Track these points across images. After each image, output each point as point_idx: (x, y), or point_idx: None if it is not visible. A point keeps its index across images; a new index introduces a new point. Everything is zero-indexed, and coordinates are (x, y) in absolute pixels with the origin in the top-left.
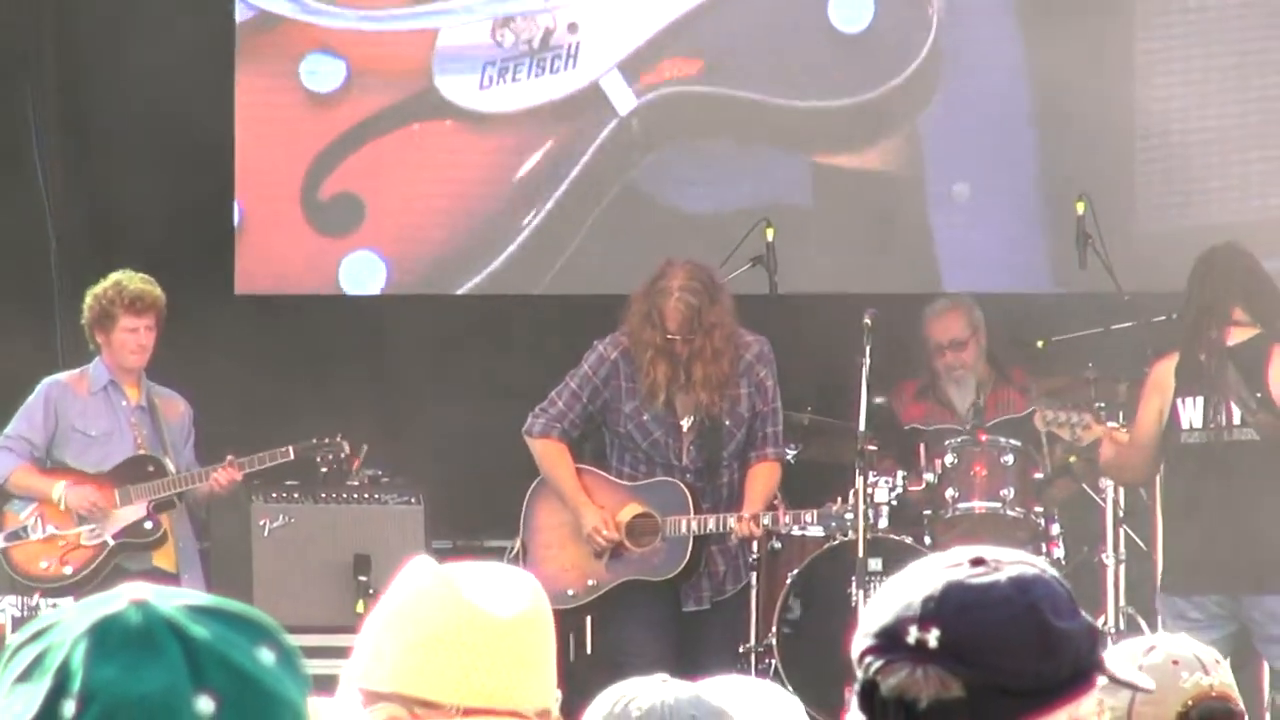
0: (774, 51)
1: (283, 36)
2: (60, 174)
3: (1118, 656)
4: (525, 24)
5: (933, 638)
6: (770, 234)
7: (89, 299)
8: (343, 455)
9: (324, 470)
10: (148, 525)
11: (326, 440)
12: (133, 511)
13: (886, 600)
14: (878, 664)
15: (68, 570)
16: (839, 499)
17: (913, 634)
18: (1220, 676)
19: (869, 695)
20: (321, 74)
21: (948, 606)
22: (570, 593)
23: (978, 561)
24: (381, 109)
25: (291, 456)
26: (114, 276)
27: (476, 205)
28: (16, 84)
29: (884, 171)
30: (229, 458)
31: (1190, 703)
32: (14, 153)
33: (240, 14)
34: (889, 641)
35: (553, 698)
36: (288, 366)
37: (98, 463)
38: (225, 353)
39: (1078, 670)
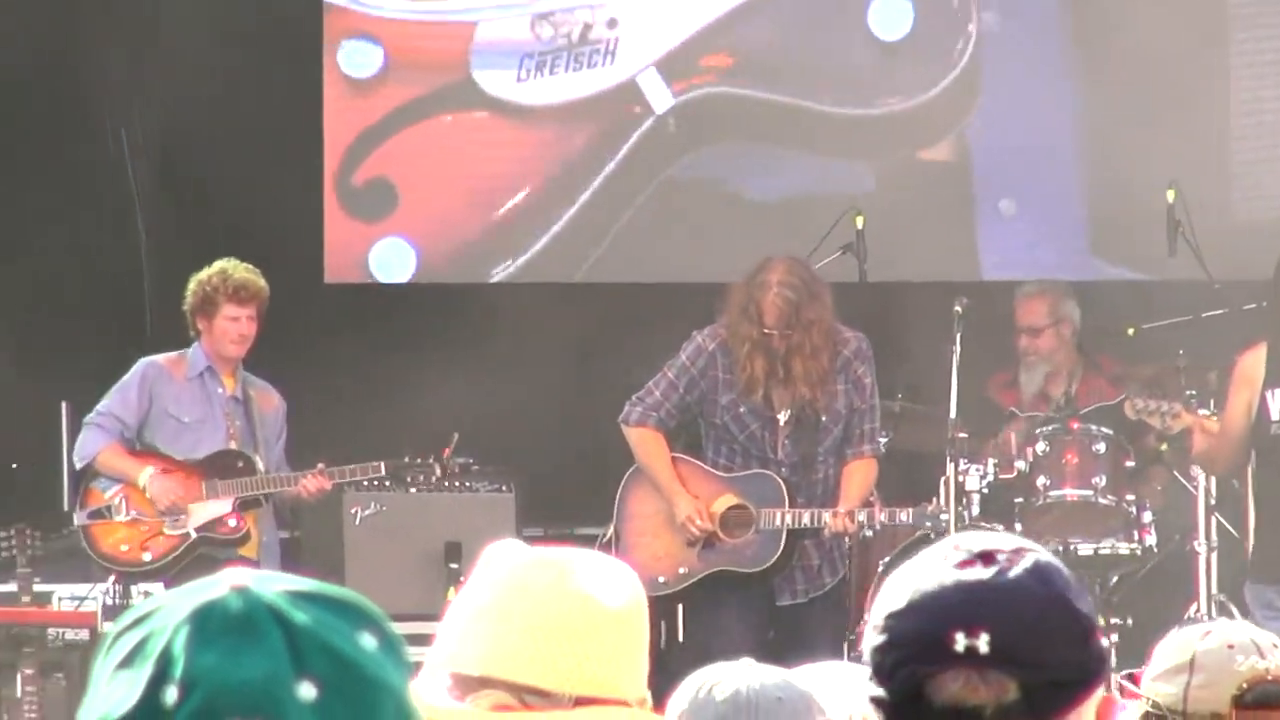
0: (811, 56)
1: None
2: (148, 165)
3: None
4: (564, 18)
5: (983, 643)
6: (860, 221)
7: (193, 284)
8: (434, 477)
9: (413, 490)
10: (231, 523)
11: (419, 460)
12: (218, 507)
13: (905, 607)
14: (922, 673)
15: (146, 557)
16: (934, 499)
17: (960, 641)
18: (1277, 660)
19: (911, 706)
20: (359, 60)
21: (989, 609)
22: (661, 580)
23: (987, 558)
24: (417, 97)
25: (383, 473)
26: (219, 264)
27: (507, 198)
28: (104, 78)
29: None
30: (320, 465)
31: (1245, 685)
32: (102, 145)
33: None
34: (932, 651)
35: (644, 684)
36: (378, 355)
37: (188, 449)
38: (314, 341)
39: (1100, 652)
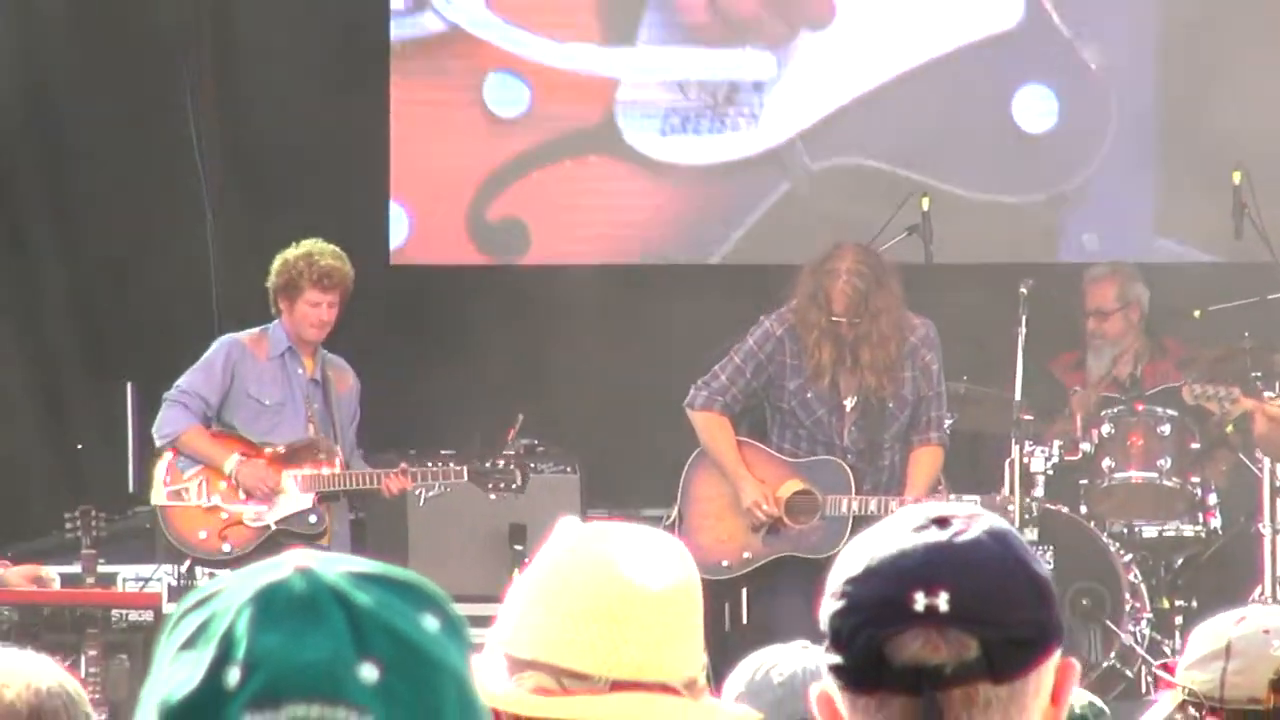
0: (955, 141)
1: (467, 50)
2: (215, 146)
3: None
4: (710, 82)
5: (943, 601)
6: (925, 203)
7: (278, 262)
8: (514, 486)
9: (492, 497)
10: (312, 519)
11: (500, 464)
12: (299, 500)
13: (863, 572)
14: (882, 635)
15: (226, 548)
16: (1001, 489)
17: (920, 600)
18: None
19: (871, 669)
20: (506, 96)
21: (948, 569)
22: (725, 564)
23: (942, 521)
24: (559, 138)
25: (465, 479)
26: (306, 245)
27: (638, 246)
28: (174, 64)
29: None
30: (402, 465)
31: None
32: (170, 126)
33: (423, 24)
34: (890, 611)
35: (700, 666)
36: (444, 337)
37: (265, 432)
38: (381, 323)
39: (1058, 615)
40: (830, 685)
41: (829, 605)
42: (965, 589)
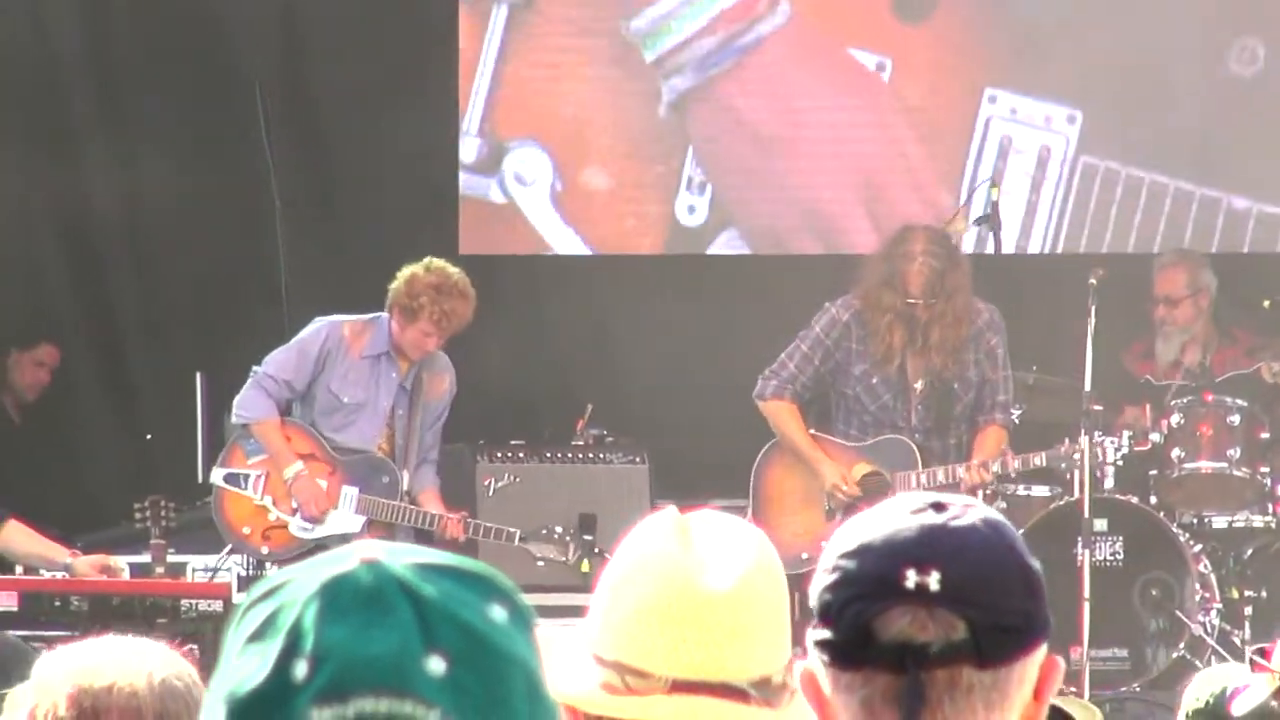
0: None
1: None
2: (285, 134)
3: None
4: None
5: (934, 580)
6: (994, 193)
7: (405, 279)
8: (563, 559)
9: (540, 564)
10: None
11: (556, 533)
12: (349, 521)
13: (857, 548)
14: (871, 611)
15: (264, 550)
16: (1066, 440)
17: (911, 578)
18: None
19: (858, 644)
20: None
21: (942, 549)
22: (804, 556)
23: (938, 506)
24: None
25: (515, 542)
26: (437, 271)
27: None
28: (243, 54)
29: None
30: (462, 514)
31: None
32: (241, 117)
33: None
34: (881, 587)
35: (778, 663)
36: (513, 327)
37: (336, 428)
38: None
39: (1046, 610)
40: (814, 663)
41: (820, 580)
42: (957, 570)
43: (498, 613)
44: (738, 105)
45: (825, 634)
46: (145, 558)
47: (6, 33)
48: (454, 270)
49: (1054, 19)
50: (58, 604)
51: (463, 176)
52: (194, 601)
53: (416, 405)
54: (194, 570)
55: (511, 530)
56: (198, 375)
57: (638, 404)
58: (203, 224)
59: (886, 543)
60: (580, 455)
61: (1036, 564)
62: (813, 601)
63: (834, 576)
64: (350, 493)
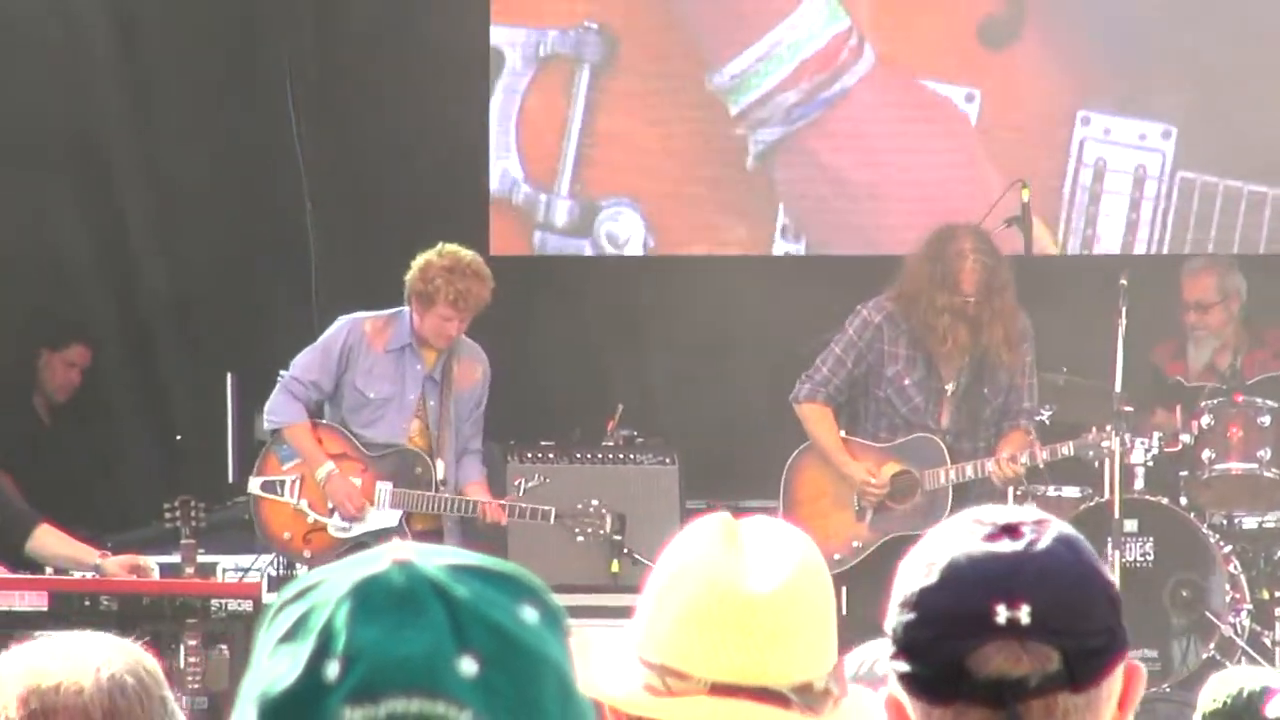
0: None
1: None
2: (315, 132)
3: None
4: None
5: (1024, 614)
6: (1025, 195)
7: (420, 265)
8: (601, 532)
9: (580, 539)
10: (396, 539)
11: (590, 509)
12: (386, 517)
13: (937, 581)
14: (964, 648)
15: (307, 554)
16: (1093, 428)
17: (1002, 613)
18: None
19: (950, 680)
20: None
21: (1027, 579)
22: (837, 557)
23: (1012, 530)
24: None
25: (550, 521)
26: (449, 255)
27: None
28: (275, 52)
29: None
30: (503, 501)
31: None
32: (272, 116)
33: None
34: (973, 624)
35: (821, 669)
36: (543, 328)
37: (365, 424)
38: (481, 314)
39: (1121, 618)
40: (899, 691)
41: (900, 615)
42: (1045, 600)
43: (529, 613)
44: (823, 156)
45: (911, 668)
46: (175, 558)
47: (36, 31)
48: (467, 252)
49: (1143, 34)
50: (87, 604)
51: (554, 239)
52: (224, 601)
53: (447, 395)
54: (224, 570)
55: (546, 509)
56: (228, 376)
57: (668, 405)
58: (233, 224)
59: (970, 574)
60: (610, 456)
61: (1112, 575)
62: (891, 635)
63: (915, 614)
64: (384, 488)
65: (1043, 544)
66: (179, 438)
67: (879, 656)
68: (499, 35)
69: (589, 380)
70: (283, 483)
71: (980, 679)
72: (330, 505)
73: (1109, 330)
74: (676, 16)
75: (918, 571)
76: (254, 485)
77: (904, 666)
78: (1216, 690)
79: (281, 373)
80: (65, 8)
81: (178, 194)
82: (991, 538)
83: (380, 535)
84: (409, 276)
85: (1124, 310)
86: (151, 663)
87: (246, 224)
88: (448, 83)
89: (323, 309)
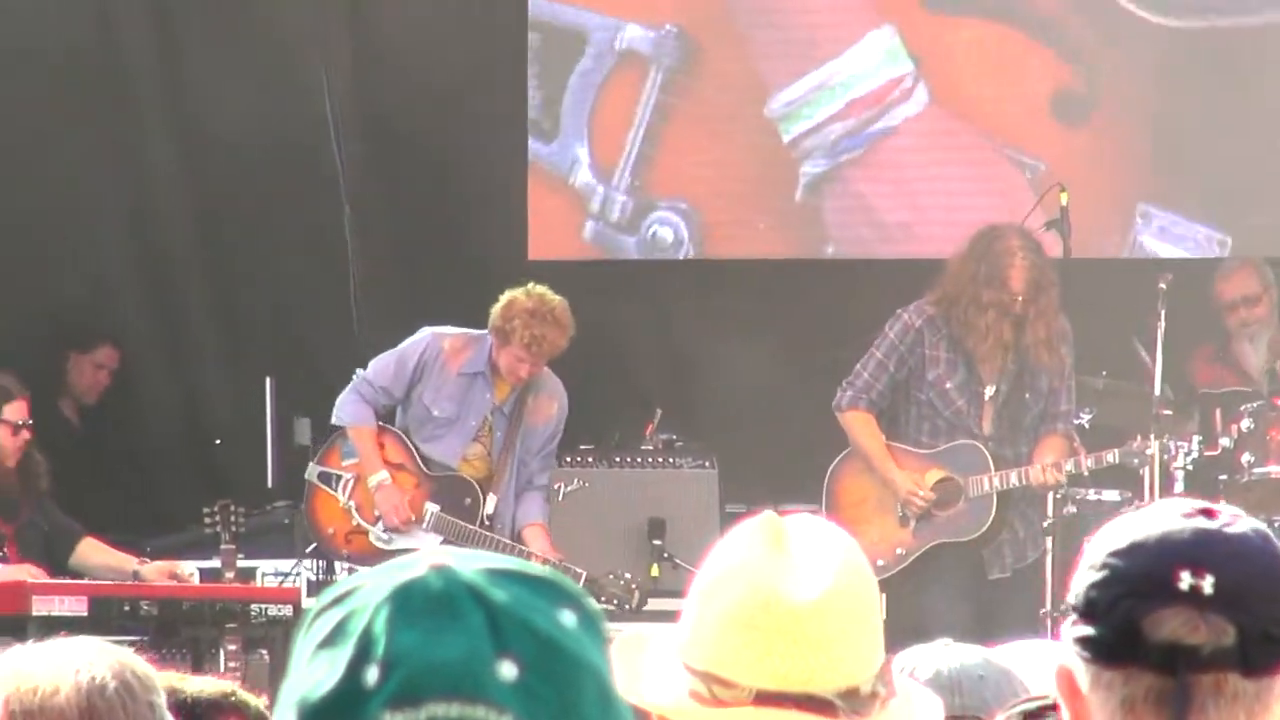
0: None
1: None
2: (354, 138)
3: None
4: None
5: (1208, 584)
6: (1064, 198)
7: (505, 300)
8: (626, 606)
9: (607, 606)
10: None
11: (623, 580)
12: (427, 539)
13: (1128, 546)
14: (1143, 609)
15: (345, 553)
16: (1137, 435)
17: (1185, 580)
18: None
19: (1126, 642)
20: None
21: (1216, 554)
22: (880, 563)
23: (1209, 512)
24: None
25: (581, 582)
26: (535, 297)
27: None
28: (312, 57)
29: None
30: (556, 560)
31: None
32: (310, 120)
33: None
34: (1154, 586)
35: (867, 673)
36: (582, 332)
37: (426, 439)
38: None
39: None
40: (1072, 659)
41: (1086, 576)
42: (1230, 576)
43: (568, 618)
44: (865, 192)
45: (1088, 630)
46: (215, 563)
47: (76, 35)
48: (554, 298)
49: (1201, 132)
50: (127, 609)
51: (603, 230)
52: (264, 606)
53: (516, 429)
54: (264, 575)
55: (579, 570)
56: (267, 380)
57: (707, 409)
58: (272, 228)
59: (1160, 543)
60: (650, 460)
61: None
62: (1075, 598)
63: (1103, 574)
64: (432, 509)
65: (1237, 528)
66: (218, 442)
67: (919, 663)
68: (581, 17)
69: (628, 385)
70: (339, 478)
71: (1154, 642)
72: (376, 514)
73: (1148, 334)
74: (749, 33)
75: (1110, 541)
76: (312, 472)
77: (1081, 629)
78: None
79: (358, 371)
80: (106, 12)
81: (217, 197)
82: (1189, 515)
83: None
84: (494, 309)
85: (1162, 314)
86: (143, 667)
87: (285, 227)
88: (487, 85)
89: (361, 312)
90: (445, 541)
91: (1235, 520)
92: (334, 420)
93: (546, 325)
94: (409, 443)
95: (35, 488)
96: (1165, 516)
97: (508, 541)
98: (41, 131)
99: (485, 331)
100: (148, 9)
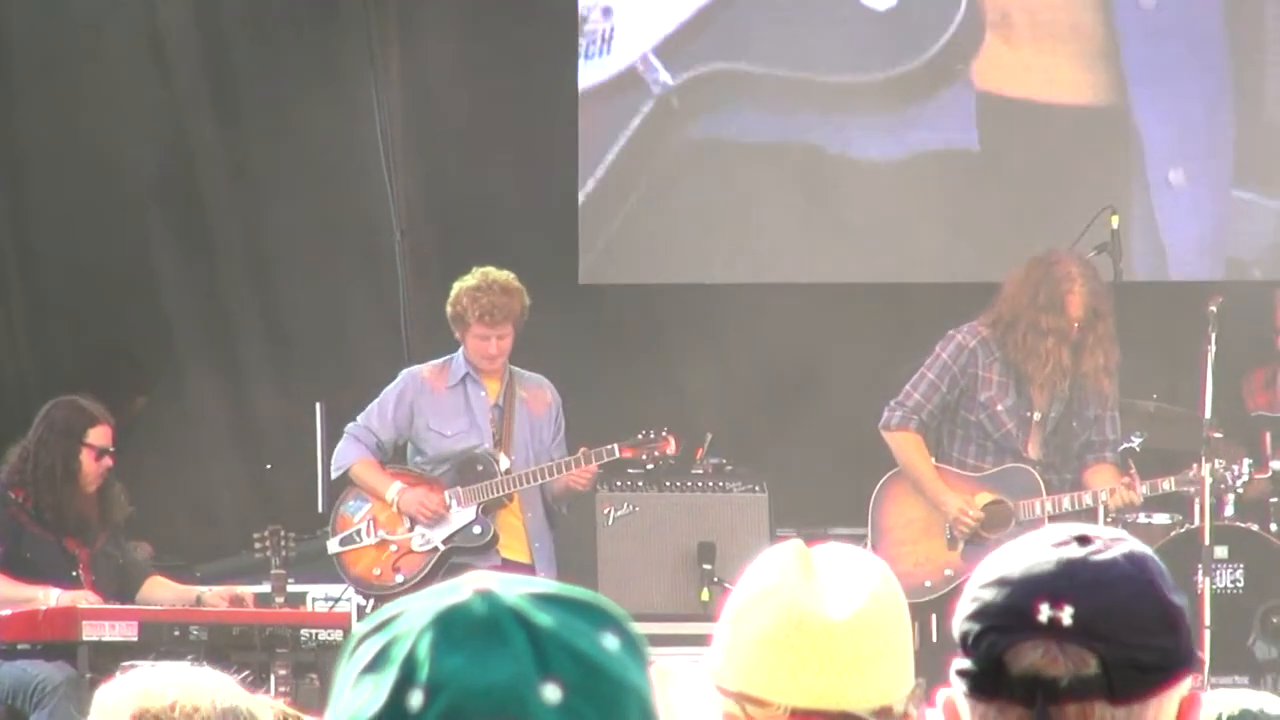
0: (806, 30)
1: None
2: (403, 161)
3: None
4: None
5: (1066, 615)
6: (1115, 221)
7: (455, 290)
8: (662, 452)
9: (649, 466)
10: (476, 530)
11: (651, 435)
12: (462, 515)
13: (996, 580)
14: (1004, 643)
15: (399, 579)
16: (1194, 464)
17: (1044, 612)
18: None
19: (991, 676)
20: None
21: (1077, 584)
22: (928, 584)
23: (1083, 539)
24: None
25: (616, 455)
26: (476, 276)
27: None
28: (364, 83)
29: None
30: (581, 451)
31: None
32: (361, 145)
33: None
34: (1015, 620)
35: (899, 692)
36: (631, 356)
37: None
38: (569, 343)
39: (1189, 646)
40: (956, 691)
41: (961, 609)
42: (1091, 605)
43: (611, 641)
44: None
45: (964, 664)
46: (265, 588)
47: (127, 59)
48: (494, 270)
49: None
50: (177, 634)
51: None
52: (314, 631)
53: (513, 423)
54: (314, 600)
55: (609, 447)
56: (318, 405)
57: (757, 433)
58: (323, 253)
59: (1024, 576)
60: (699, 484)
61: (1181, 600)
62: (955, 630)
63: (973, 607)
64: (453, 493)
65: (1107, 555)
66: (269, 467)
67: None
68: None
69: (678, 409)
70: (358, 532)
71: (1016, 676)
72: (407, 521)
73: (1199, 357)
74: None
75: (983, 574)
76: (333, 546)
77: (960, 663)
78: (1209, 709)
79: (347, 425)
80: (157, 36)
81: (267, 222)
82: (1060, 544)
83: (472, 550)
84: (447, 307)
85: (1213, 337)
86: (261, 704)
87: (336, 253)
88: (537, 113)
89: (411, 338)
90: (483, 507)
91: (1109, 546)
92: (334, 471)
93: (494, 294)
94: (414, 470)
95: (113, 518)
96: (1034, 548)
97: (536, 469)
98: (107, 165)
99: (452, 354)
100: (197, 26)
